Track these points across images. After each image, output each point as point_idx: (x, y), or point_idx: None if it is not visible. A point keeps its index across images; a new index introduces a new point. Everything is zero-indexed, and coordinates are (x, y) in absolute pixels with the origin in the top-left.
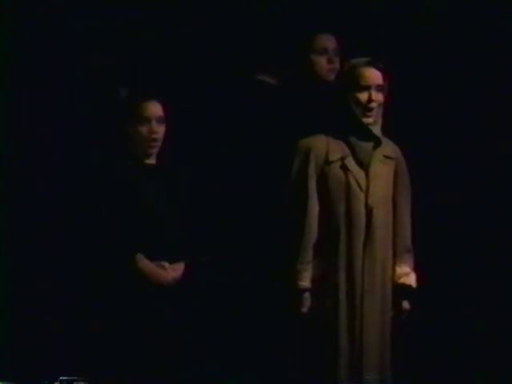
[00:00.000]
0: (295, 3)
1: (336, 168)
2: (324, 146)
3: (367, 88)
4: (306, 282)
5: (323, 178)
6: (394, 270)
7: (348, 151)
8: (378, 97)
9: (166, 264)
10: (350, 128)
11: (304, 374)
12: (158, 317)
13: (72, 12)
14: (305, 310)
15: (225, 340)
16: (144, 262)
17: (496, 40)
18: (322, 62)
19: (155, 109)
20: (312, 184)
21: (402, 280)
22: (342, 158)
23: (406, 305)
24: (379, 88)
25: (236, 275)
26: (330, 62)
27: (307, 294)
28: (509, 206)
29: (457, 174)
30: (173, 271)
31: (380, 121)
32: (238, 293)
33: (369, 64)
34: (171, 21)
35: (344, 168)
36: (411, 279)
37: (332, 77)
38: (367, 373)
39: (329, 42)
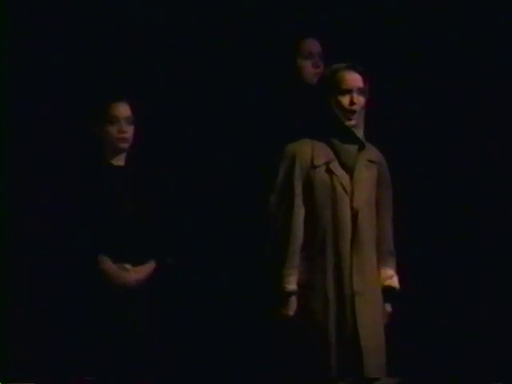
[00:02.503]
0: (281, 7)
1: (321, 172)
2: (309, 150)
3: (349, 91)
4: (292, 286)
5: (309, 183)
6: (378, 274)
7: (333, 155)
8: (360, 100)
9: (129, 266)
10: (333, 132)
11: (293, 378)
12: (121, 319)
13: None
14: (291, 313)
15: (194, 344)
16: (106, 264)
17: (477, 42)
18: (307, 66)
19: (124, 109)
20: (298, 188)
21: (386, 282)
22: (327, 163)
23: (388, 308)
24: (360, 91)
25: (213, 279)
26: (315, 66)
27: (294, 298)
28: (491, 208)
29: (439, 178)
30: (135, 273)
31: (362, 125)
32: (215, 296)
33: (349, 68)
34: (145, 21)
35: (329, 172)
36: (395, 282)
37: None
38: (360, 375)
39: (314, 46)
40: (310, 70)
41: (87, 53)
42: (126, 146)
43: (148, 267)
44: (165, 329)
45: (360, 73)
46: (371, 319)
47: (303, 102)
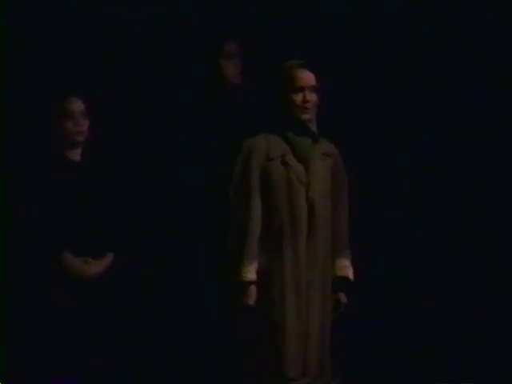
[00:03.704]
0: (204, 8)
1: (277, 165)
2: (264, 144)
3: (301, 89)
4: (251, 275)
5: (265, 175)
6: (333, 263)
7: (288, 148)
8: (312, 97)
9: (90, 259)
10: (288, 126)
11: (251, 365)
12: (84, 311)
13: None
14: (251, 302)
15: (156, 335)
16: (68, 258)
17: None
18: (229, 66)
19: (78, 104)
20: (255, 181)
21: (341, 273)
22: (283, 155)
23: (342, 297)
24: (313, 89)
25: (170, 271)
26: (236, 66)
27: (253, 287)
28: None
29: (391, 171)
30: (96, 266)
31: (315, 120)
32: (174, 288)
33: (302, 66)
34: (99, 17)
35: (285, 164)
36: (349, 272)
37: (238, 80)
38: (311, 365)
39: (234, 48)
40: (232, 70)
41: (36, 49)
42: (81, 139)
43: (107, 260)
44: (125, 319)
45: (312, 71)
46: (321, 309)
47: (226, 100)
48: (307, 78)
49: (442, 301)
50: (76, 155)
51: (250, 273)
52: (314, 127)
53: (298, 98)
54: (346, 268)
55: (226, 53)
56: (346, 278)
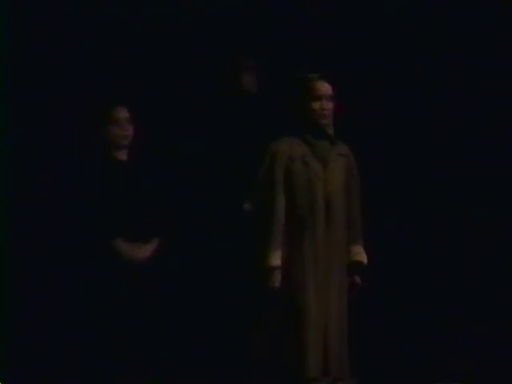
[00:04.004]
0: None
1: (298, 164)
2: (287, 147)
3: (320, 98)
4: (276, 261)
5: (288, 173)
6: (348, 250)
7: (308, 150)
8: (329, 105)
9: (140, 244)
10: (308, 130)
11: (275, 342)
12: (133, 291)
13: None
14: (277, 284)
15: (196, 314)
16: (121, 244)
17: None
18: (248, 78)
19: (124, 112)
20: (279, 179)
21: (356, 258)
22: (303, 156)
23: (358, 280)
24: (329, 98)
25: (210, 257)
26: (253, 77)
27: (278, 272)
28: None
29: (396, 168)
30: (144, 250)
31: (331, 125)
32: (214, 274)
33: (320, 78)
34: (141, 29)
35: (305, 164)
36: (363, 257)
37: (255, 89)
38: (331, 352)
39: (252, 61)
40: (250, 80)
41: (87, 59)
42: (126, 142)
43: (153, 245)
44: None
45: (329, 82)
46: (339, 293)
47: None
48: (325, 88)
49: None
50: (123, 155)
51: (275, 259)
52: (330, 131)
53: (317, 105)
54: (361, 254)
55: (244, 66)
56: (361, 263)
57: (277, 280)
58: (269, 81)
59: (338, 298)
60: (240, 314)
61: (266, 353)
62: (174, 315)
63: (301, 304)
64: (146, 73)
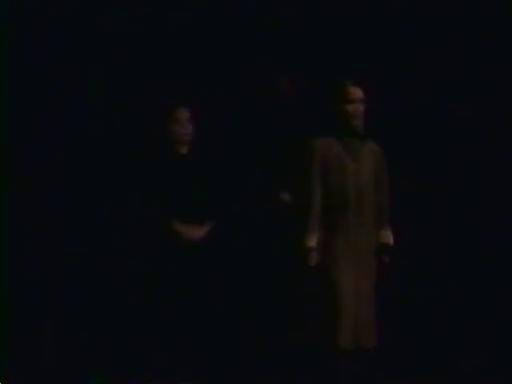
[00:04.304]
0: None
1: (333, 160)
2: (324, 144)
3: (353, 101)
4: (312, 243)
5: (325, 168)
6: (377, 234)
7: (342, 148)
8: (361, 108)
9: (195, 226)
10: (342, 129)
11: (311, 315)
12: (189, 268)
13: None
14: (312, 263)
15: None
16: (178, 225)
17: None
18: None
19: (185, 112)
20: (316, 171)
21: (385, 240)
22: (338, 153)
23: (386, 259)
24: (361, 101)
25: (256, 240)
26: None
27: (314, 253)
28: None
29: (421, 163)
30: (199, 231)
31: (362, 125)
32: (255, 252)
33: (354, 84)
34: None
35: (339, 160)
36: (391, 239)
37: (292, 94)
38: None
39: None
40: (287, 86)
41: (152, 62)
42: (187, 139)
43: (207, 228)
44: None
45: (361, 88)
46: (368, 272)
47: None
48: (358, 93)
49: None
50: (184, 150)
51: (311, 241)
52: (362, 131)
53: (351, 108)
54: (388, 237)
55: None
56: (388, 245)
57: (312, 260)
58: (308, 87)
59: (367, 277)
60: (281, 291)
61: (304, 326)
62: (222, 290)
63: (333, 281)
64: (203, 79)
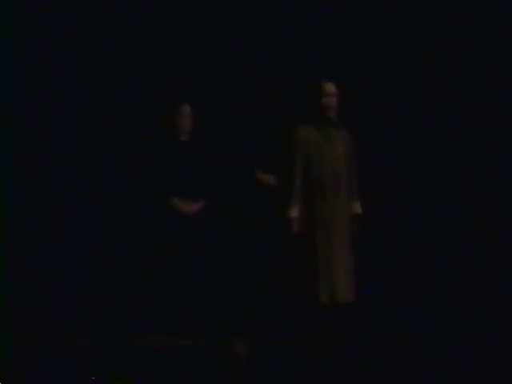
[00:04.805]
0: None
1: (313, 144)
2: (305, 131)
3: (327, 95)
4: (294, 213)
5: (304, 150)
6: (350, 206)
7: (319, 134)
8: (334, 101)
9: (189, 201)
10: (319, 119)
11: (294, 274)
12: (185, 238)
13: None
14: (294, 230)
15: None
16: (175, 200)
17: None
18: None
19: (187, 107)
20: (298, 154)
21: (355, 210)
22: (316, 137)
23: (355, 226)
24: (335, 95)
25: (242, 214)
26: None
27: (295, 221)
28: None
29: (388, 145)
30: (193, 206)
31: (336, 116)
32: (243, 224)
33: (328, 80)
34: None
35: (317, 144)
36: (359, 209)
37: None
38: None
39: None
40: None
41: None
42: (187, 128)
43: (200, 204)
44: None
45: (334, 84)
46: (343, 237)
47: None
48: (332, 88)
49: None
50: (184, 137)
51: (293, 212)
52: (335, 120)
53: (325, 100)
54: (358, 208)
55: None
56: (358, 214)
57: (294, 227)
58: (291, 84)
59: (343, 240)
60: (267, 257)
61: (288, 284)
62: (214, 259)
63: (311, 246)
64: (201, 78)
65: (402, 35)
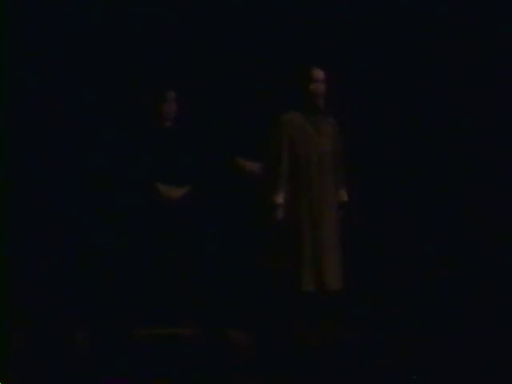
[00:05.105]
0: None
1: (299, 130)
2: (292, 117)
3: (316, 81)
4: (279, 200)
5: (291, 137)
6: (336, 193)
7: (306, 120)
8: (322, 87)
9: (174, 187)
10: (307, 106)
11: (279, 261)
12: (170, 222)
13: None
14: (279, 217)
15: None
16: (160, 186)
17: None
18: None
19: (172, 94)
20: (285, 141)
21: (341, 198)
22: (303, 124)
23: (340, 213)
24: (323, 81)
25: (228, 200)
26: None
27: (281, 208)
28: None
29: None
30: (177, 192)
31: (324, 102)
32: (228, 210)
33: (317, 67)
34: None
35: (304, 130)
36: (345, 197)
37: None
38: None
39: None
40: None
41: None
42: (173, 115)
43: (185, 189)
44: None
45: (322, 70)
46: (330, 224)
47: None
48: (320, 74)
49: None
50: (169, 123)
51: (278, 198)
52: (323, 107)
53: (313, 87)
54: (344, 195)
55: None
56: (344, 201)
57: (279, 214)
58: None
59: (330, 228)
60: (253, 242)
61: (273, 271)
62: (198, 243)
63: (296, 233)
64: (187, 63)
65: (396, 24)
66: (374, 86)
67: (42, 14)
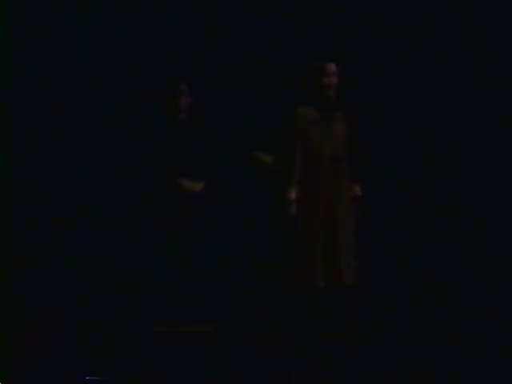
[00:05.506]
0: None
1: (311, 124)
2: (306, 111)
3: (328, 74)
4: (292, 196)
5: (304, 131)
6: (350, 187)
7: (318, 114)
8: (334, 80)
9: (192, 181)
10: (319, 99)
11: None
12: (187, 214)
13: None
14: (292, 212)
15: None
16: (180, 179)
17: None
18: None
19: (185, 87)
20: (297, 135)
21: (355, 192)
22: (315, 118)
23: (355, 208)
24: (335, 75)
25: (243, 193)
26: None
27: (293, 203)
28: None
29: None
30: (196, 186)
31: (335, 95)
32: (243, 203)
33: (328, 61)
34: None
35: (316, 124)
36: (359, 192)
37: None
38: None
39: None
40: None
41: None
42: (186, 107)
43: (202, 184)
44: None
45: (335, 64)
46: (344, 218)
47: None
48: (332, 68)
49: None
50: (183, 115)
51: (291, 194)
52: (335, 100)
53: (326, 80)
54: (358, 190)
55: None
56: (357, 196)
57: (292, 209)
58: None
59: (344, 223)
60: (267, 237)
61: (285, 266)
62: (216, 235)
63: (311, 227)
64: (201, 56)
65: (396, 23)
66: (377, 83)
67: (41, 14)
